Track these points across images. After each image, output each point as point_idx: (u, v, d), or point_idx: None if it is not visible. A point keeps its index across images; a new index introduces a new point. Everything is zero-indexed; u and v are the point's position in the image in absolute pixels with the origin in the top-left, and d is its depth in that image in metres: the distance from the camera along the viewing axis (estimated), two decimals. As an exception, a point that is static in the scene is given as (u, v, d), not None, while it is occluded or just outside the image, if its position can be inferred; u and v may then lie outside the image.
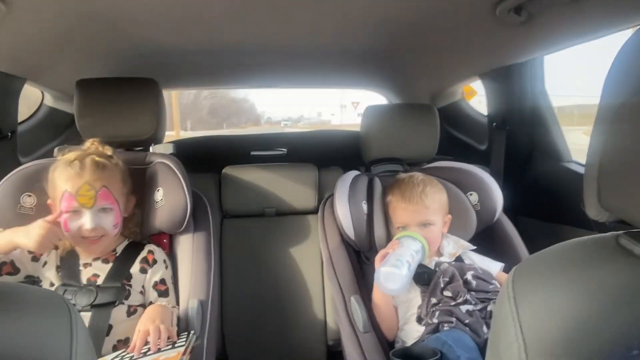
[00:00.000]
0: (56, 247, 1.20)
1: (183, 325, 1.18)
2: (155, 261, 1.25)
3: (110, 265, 1.20)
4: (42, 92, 1.85)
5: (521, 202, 1.74)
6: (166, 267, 1.27)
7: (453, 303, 1.16)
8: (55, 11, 1.23)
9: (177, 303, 1.25)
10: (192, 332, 1.12)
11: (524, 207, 1.76)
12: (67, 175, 1.14)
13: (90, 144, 1.26)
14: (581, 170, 1.58)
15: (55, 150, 1.38)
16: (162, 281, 1.24)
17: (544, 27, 1.22)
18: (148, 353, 1.01)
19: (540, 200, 1.70)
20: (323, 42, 1.72)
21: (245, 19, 1.40)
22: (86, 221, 1.13)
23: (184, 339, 1.07)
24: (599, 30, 1.16)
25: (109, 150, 1.25)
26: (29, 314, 0.47)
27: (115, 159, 1.24)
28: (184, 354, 0.99)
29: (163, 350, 1.01)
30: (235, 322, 1.75)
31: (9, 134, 1.50)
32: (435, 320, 1.15)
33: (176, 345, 1.04)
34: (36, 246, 1.06)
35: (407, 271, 1.13)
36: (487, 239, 1.45)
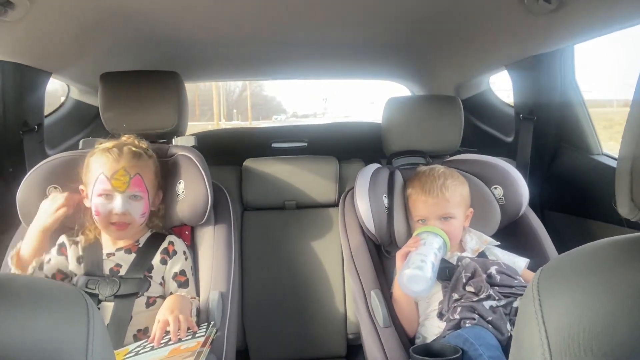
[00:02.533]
0: (75, 242, 1.23)
1: (204, 316, 1.19)
2: (175, 252, 1.26)
3: (133, 256, 1.22)
4: (67, 86, 1.88)
5: (548, 196, 1.70)
6: (186, 259, 1.28)
7: (475, 299, 1.14)
8: (78, 5, 1.24)
9: (198, 294, 1.26)
10: (212, 323, 1.13)
11: (552, 201, 1.71)
12: (104, 160, 1.19)
13: (127, 138, 1.30)
14: (612, 163, 1.52)
15: (81, 142, 1.41)
16: (182, 272, 1.25)
17: (575, 15, 1.17)
18: (169, 343, 1.02)
19: (568, 194, 1.65)
20: (345, 34, 1.70)
21: (267, 11, 1.39)
22: (117, 205, 1.16)
23: (204, 330, 1.08)
24: (635, 18, 1.10)
25: (144, 144, 1.30)
26: (44, 307, 0.47)
27: (150, 152, 1.29)
28: (204, 345, 1.00)
29: (183, 341, 1.02)
30: (256, 314, 1.76)
31: (36, 127, 1.53)
32: (456, 317, 1.13)
33: (196, 335, 1.05)
34: (51, 221, 1.15)
35: (431, 273, 1.11)
36: (512, 235, 1.42)
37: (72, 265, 1.20)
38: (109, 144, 1.24)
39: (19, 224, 1.27)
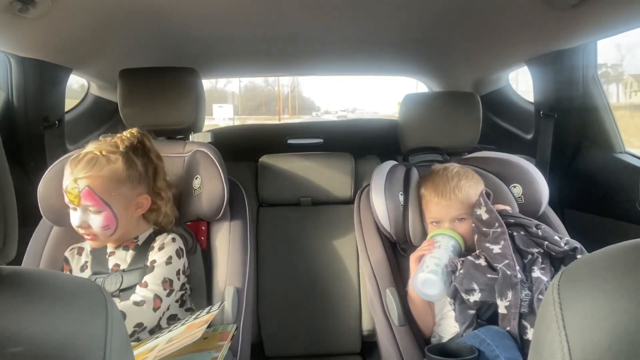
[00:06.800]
0: (80, 250, 1.25)
1: (220, 311, 1.20)
2: (162, 248, 1.20)
3: (131, 253, 1.22)
4: (87, 82, 1.91)
5: (569, 194, 1.67)
6: (168, 263, 1.18)
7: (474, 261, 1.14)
8: (99, 2, 1.26)
9: (212, 290, 1.27)
10: (234, 325, 1.15)
11: (572, 199, 1.68)
12: (65, 172, 1.15)
13: (124, 136, 1.21)
14: (634, 162, 1.49)
15: (100, 138, 1.42)
16: (153, 262, 1.18)
17: (598, 10, 1.14)
18: (185, 323, 1.05)
19: (589, 192, 1.62)
20: (362, 29, 1.69)
21: (284, 6, 1.39)
22: (74, 218, 1.13)
23: (218, 304, 1.12)
24: None
25: (121, 145, 1.17)
26: (64, 301, 0.48)
27: (116, 156, 1.14)
28: (224, 339, 1.02)
29: (199, 317, 1.05)
30: (271, 309, 1.77)
31: (57, 122, 1.56)
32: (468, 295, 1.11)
33: (211, 310, 1.08)
34: None
35: (445, 277, 1.11)
36: None
37: (76, 274, 1.21)
38: (85, 149, 1.17)
39: (40, 218, 1.30)
